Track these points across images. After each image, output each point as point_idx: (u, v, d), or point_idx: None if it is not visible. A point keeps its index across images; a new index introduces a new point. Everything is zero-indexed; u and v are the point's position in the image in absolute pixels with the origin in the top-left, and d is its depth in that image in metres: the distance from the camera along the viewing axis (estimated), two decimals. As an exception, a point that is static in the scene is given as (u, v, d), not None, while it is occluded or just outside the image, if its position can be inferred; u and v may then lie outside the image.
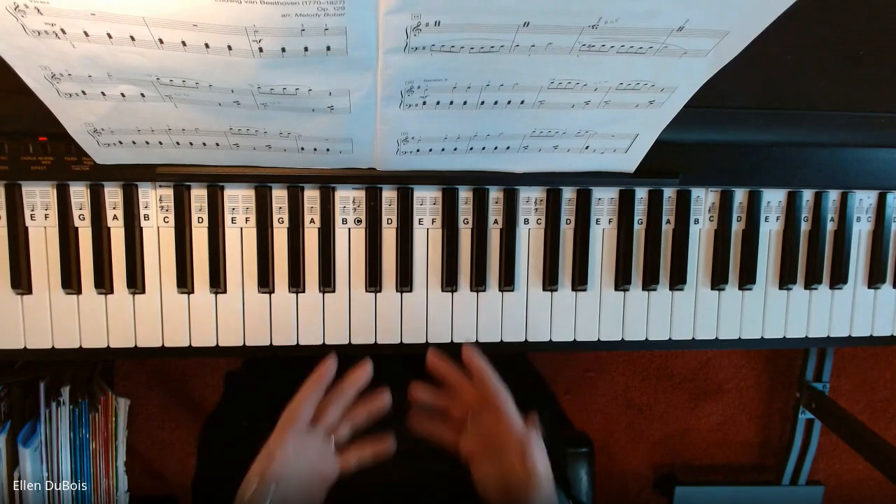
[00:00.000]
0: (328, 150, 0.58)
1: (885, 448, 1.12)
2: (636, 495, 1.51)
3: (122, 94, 0.51)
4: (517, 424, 0.53)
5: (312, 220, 0.66)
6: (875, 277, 0.73)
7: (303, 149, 0.58)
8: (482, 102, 0.53)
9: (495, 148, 0.59)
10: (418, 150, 0.58)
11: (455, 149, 0.59)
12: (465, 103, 0.53)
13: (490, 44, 0.46)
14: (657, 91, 0.53)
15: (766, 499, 1.42)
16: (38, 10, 0.44)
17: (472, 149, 0.59)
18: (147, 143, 0.57)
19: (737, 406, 1.49)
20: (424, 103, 0.52)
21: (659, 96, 0.54)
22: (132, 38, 0.46)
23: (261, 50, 0.46)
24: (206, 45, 0.46)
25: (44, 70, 0.49)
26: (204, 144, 0.57)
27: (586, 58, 0.48)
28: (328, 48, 0.46)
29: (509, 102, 0.53)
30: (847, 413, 1.25)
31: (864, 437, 1.18)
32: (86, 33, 0.45)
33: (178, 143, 0.57)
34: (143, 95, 0.52)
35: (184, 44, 0.46)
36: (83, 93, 0.51)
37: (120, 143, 0.57)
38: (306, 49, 0.46)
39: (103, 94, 0.51)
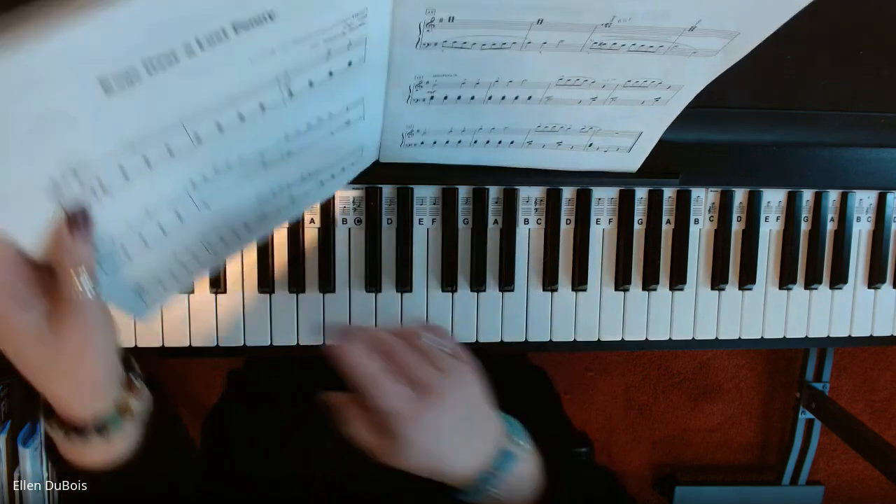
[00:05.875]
0: (343, 169, 0.56)
1: (885, 448, 1.12)
2: (636, 495, 1.51)
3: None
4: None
5: (312, 220, 0.66)
6: (875, 277, 0.73)
7: (322, 183, 0.56)
8: (490, 97, 0.52)
9: (499, 142, 0.59)
10: (422, 143, 0.58)
11: (459, 141, 0.58)
12: (472, 98, 0.52)
13: (502, 40, 0.46)
14: (664, 88, 0.53)
15: (766, 499, 1.42)
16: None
17: (476, 142, 0.59)
18: None
19: (737, 406, 1.49)
20: (432, 98, 0.52)
21: (665, 94, 0.53)
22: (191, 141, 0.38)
23: (290, 94, 0.41)
24: (241, 117, 0.40)
25: None
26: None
27: (596, 55, 0.48)
28: (349, 63, 0.43)
29: (516, 98, 0.53)
30: (847, 413, 1.25)
31: (864, 437, 1.18)
32: None
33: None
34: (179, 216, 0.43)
35: (220, 127, 0.39)
36: None
37: None
38: (331, 74, 0.42)
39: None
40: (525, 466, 0.46)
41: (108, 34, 0.29)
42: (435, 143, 0.58)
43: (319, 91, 0.43)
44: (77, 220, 0.35)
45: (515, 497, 0.45)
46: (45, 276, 0.36)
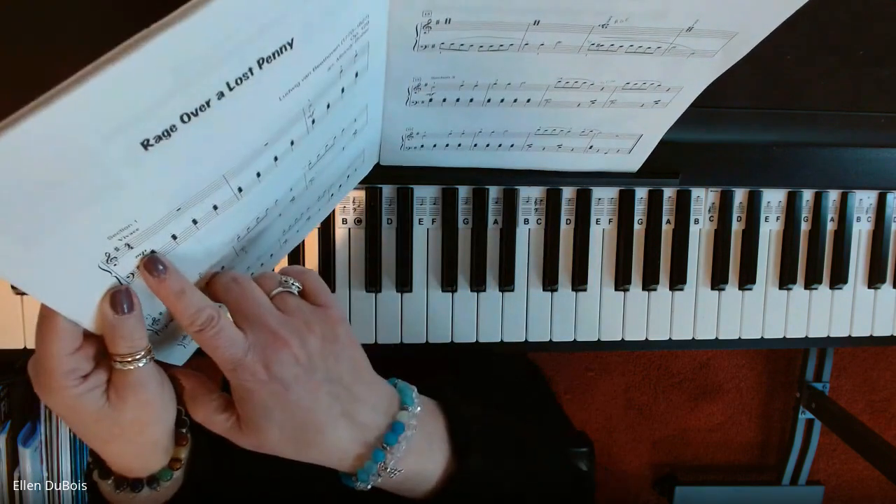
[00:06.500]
0: (348, 177, 0.56)
1: (885, 448, 1.12)
2: (636, 495, 1.51)
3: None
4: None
5: (312, 220, 0.66)
6: (875, 277, 0.73)
7: (332, 195, 0.56)
8: (489, 100, 0.52)
9: (499, 145, 0.59)
10: (422, 146, 0.58)
11: (459, 144, 0.58)
12: (471, 100, 0.52)
13: (500, 42, 0.46)
14: (663, 91, 0.53)
15: (766, 499, 1.42)
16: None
17: (475, 145, 0.59)
18: None
19: (737, 406, 1.49)
20: (431, 100, 0.52)
21: (665, 96, 0.53)
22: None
23: (313, 122, 0.40)
24: (276, 159, 0.38)
25: None
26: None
27: (594, 57, 0.48)
28: (356, 75, 0.42)
29: (516, 100, 0.53)
30: (847, 413, 1.25)
31: (864, 437, 1.18)
32: None
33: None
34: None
35: (259, 175, 0.38)
36: None
37: None
38: (343, 90, 0.41)
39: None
40: (423, 433, 0.39)
41: (135, 80, 0.26)
42: (434, 145, 0.58)
43: (334, 111, 0.42)
44: (121, 301, 0.33)
45: (419, 473, 0.40)
46: (104, 346, 0.35)
